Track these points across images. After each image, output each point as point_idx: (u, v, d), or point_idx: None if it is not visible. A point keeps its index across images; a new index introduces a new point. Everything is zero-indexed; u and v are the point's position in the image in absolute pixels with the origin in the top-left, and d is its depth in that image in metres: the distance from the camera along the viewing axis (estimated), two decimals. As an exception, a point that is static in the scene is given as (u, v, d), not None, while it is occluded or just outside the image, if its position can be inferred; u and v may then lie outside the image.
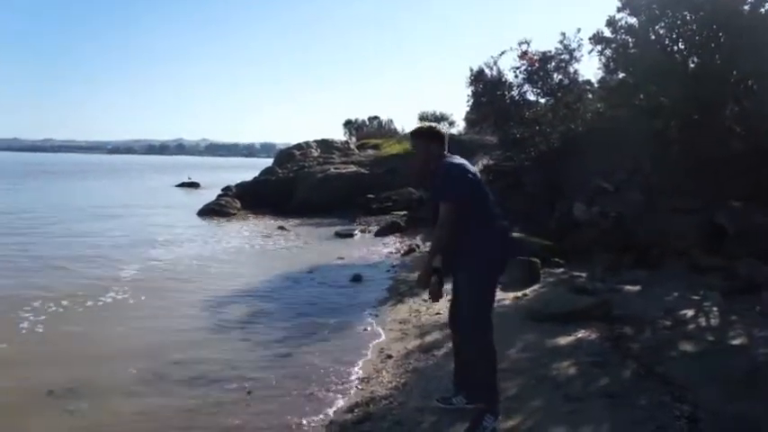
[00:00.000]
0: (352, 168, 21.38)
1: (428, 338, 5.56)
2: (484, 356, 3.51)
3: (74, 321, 6.66)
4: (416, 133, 3.77)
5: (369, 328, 6.29)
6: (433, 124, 3.85)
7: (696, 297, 6.28)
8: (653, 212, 8.40)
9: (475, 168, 3.67)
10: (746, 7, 8.76)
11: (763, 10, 8.72)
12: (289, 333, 6.20)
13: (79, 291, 7.88)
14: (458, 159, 3.63)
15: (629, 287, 6.89)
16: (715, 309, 5.86)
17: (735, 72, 8.74)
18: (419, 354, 5.15)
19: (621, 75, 10.34)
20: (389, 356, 5.21)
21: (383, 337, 5.91)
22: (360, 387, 4.59)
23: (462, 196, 3.43)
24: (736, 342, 4.89)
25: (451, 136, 13.72)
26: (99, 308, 7.25)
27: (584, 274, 7.74)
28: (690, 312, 5.76)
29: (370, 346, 5.66)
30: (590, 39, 10.41)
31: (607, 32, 9.98)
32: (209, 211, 18.43)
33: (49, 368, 5.15)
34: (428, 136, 3.70)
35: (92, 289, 8.02)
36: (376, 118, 41.10)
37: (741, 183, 7.86)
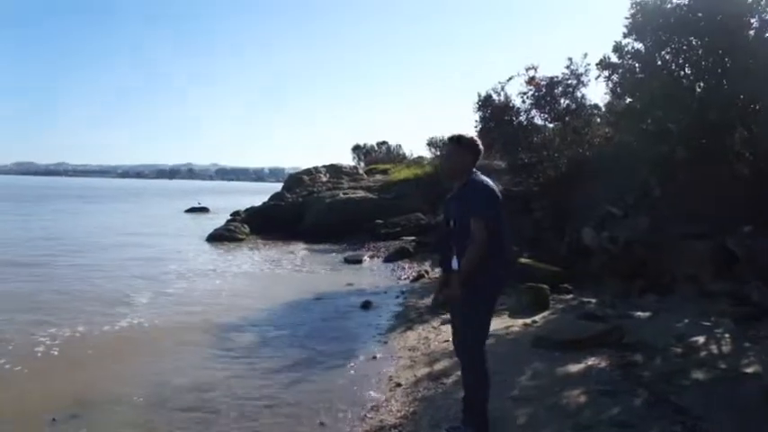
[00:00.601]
0: (361, 193, 21.39)
1: (437, 366, 5.54)
2: (482, 382, 3.56)
3: (87, 347, 6.74)
4: (457, 140, 3.66)
5: (378, 356, 6.27)
6: (476, 138, 3.72)
7: (707, 323, 6.21)
8: (662, 238, 8.36)
9: (497, 190, 3.62)
10: (752, 32, 8.79)
11: (768, 34, 8.75)
12: (297, 361, 6.20)
13: (94, 318, 7.97)
14: (487, 179, 3.60)
15: (639, 313, 6.83)
16: (727, 335, 5.79)
17: (742, 96, 8.75)
18: (428, 382, 5.13)
19: (629, 100, 10.35)
20: (398, 384, 5.19)
21: (392, 365, 5.89)
22: (369, 416, 4.57)
23: (492, 218, 3.42)
24: (748, 370, 4.83)
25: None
26: (111, 335, 7.30)
27: (593, 301, 7.69)
28: (701, 339, 5.69)
29: (379, 373, 5.64)
30: (597, 64, 10.47)
31: (614, 58, 10.03)
32: (218, 237, 18.47)
33: (56, 393, 5.23)
34: (467, 147, 3.62)
35: (105, 316, 8.08)
36: (385, 143, 41.36)
37: (750, 207, 7.82)
